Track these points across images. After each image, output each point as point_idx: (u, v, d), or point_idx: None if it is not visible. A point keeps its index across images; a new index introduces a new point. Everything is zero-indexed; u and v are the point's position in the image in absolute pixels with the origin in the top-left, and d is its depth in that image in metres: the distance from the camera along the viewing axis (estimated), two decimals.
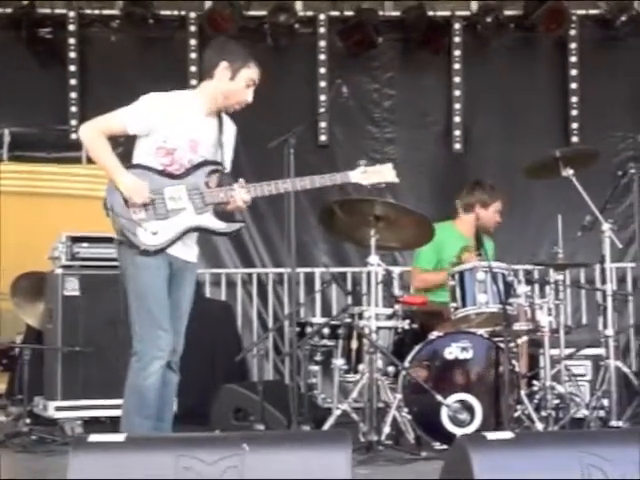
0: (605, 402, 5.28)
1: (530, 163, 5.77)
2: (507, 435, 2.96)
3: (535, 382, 5.50)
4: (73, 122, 7.43)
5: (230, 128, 4.48)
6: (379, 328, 5.21)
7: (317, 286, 7.41)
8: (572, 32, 7.82)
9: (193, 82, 7.37)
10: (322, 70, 7.70)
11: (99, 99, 7.30)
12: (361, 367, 5.21)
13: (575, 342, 5.78)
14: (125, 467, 2.76)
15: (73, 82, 7.59)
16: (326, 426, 4.96)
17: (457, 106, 7.79)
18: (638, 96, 7.84)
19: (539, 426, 5.11)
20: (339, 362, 5.32)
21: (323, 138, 7.73)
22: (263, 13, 7.70)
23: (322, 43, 7.73)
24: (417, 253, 6.08)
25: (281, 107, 7.21)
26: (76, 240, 5.79)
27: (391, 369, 5.24)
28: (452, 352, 5.15)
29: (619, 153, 7.76)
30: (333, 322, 5.47)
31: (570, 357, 5.64)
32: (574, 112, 7.81)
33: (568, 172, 5.51)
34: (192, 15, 7.69)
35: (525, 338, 5.63)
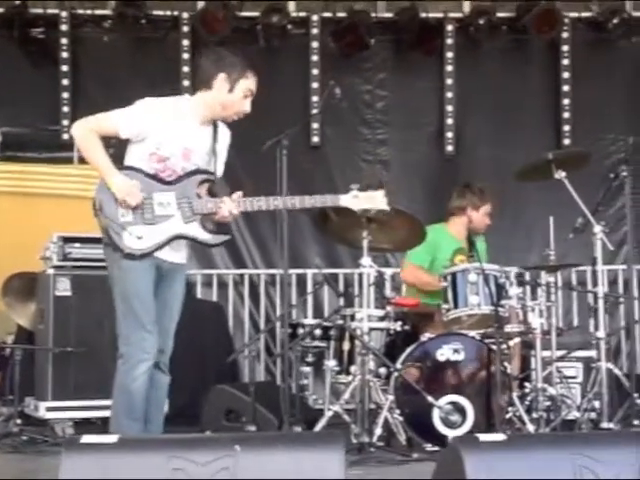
0: (596, 404, 5.29)
1: (522, 166, 5.77)
2: (499, 437, 2.96)
3: (526, 384, 5.51)
4: (65, 122, 7.39)
5: (225, 135, 4.46)
6: (371, 329, 5.20)
7: (309, 287, 7.41)
8: (564, 34, 7.83)
9: (185, 83, 7.38)
10: (314, 71, 7.68)
11: (91, 99, 7.31)
12: (353, 368, 5.21)
13: (566, 344, 5.79)
14: (117, 468, 2.76)
15: (65, 82, 7.56)
16: (318, 427, 4.96)
17: (449, 108, 7.79)
18: (630, 98, 7.87)
19: (530, 428, 5.11)
20: (331, 363, 5.31)
21: (315, 139, 7.71)
22: (256, 14, 7.69)
23: (315, 44, 7.70)
24: (411, 252, 6.02)
25: (273, 108, 7.18)
26: (68, 240, 5.79)
27: (383, 370, 5.24)
28: (444, 354, 5.16)
29: (611, 155, 7.76)
30: (325, 323, 5.48)
31: (561, 359, 5.65)
32: (566, 114, 7.83)
33: (560, 174, 5.52)
34: (185, 15, 7.67)
35: (517, 340, 5.64)
